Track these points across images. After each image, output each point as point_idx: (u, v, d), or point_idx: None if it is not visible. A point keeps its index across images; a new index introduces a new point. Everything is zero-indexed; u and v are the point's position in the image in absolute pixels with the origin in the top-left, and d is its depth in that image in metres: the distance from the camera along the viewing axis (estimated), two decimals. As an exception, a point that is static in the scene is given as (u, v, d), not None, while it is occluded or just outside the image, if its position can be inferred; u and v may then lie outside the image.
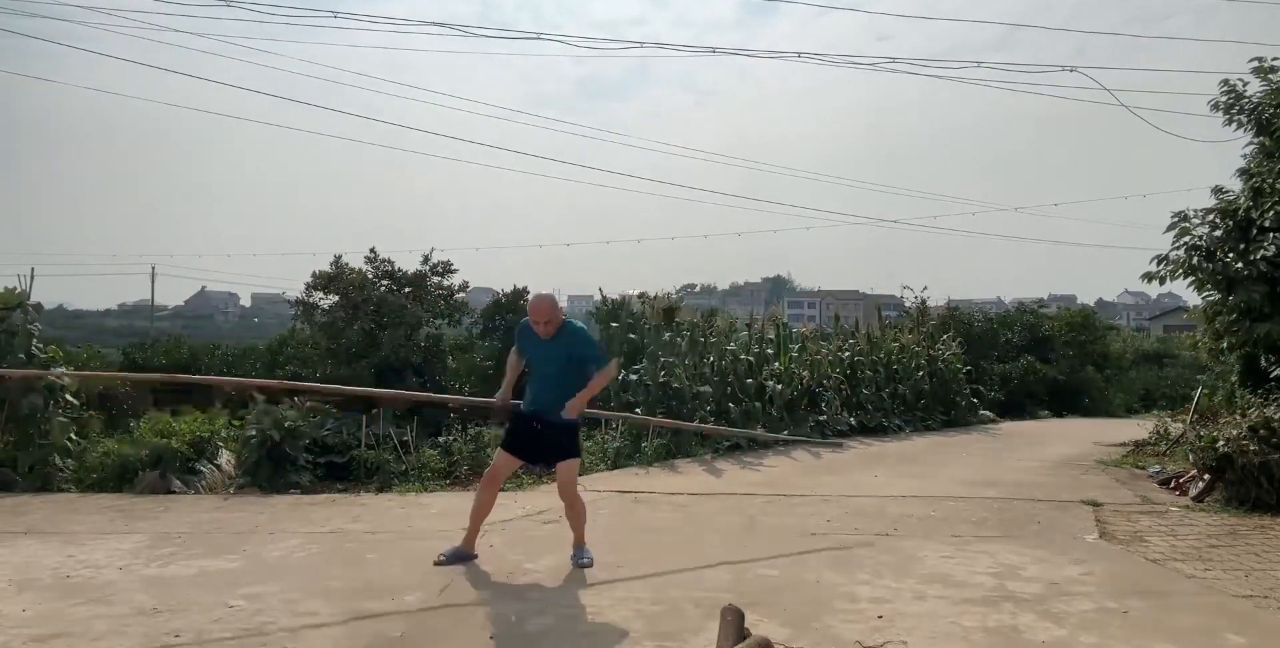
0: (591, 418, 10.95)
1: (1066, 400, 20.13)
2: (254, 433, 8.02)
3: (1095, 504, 6.94)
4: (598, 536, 5.61)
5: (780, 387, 11.73)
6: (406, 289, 11.97)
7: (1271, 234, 8.18)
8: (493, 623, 3.97)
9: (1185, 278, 8.88)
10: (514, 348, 5.37)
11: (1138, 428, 11.94)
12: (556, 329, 5.02)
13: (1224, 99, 9.08)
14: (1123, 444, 11.25)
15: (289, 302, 12.37)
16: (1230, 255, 8.45)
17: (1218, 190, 9.06)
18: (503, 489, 7.61)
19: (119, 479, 7.72)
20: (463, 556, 5.06)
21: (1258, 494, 6.69)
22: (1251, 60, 8.96)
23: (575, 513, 5.14)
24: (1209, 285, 8.79)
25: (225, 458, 8.34)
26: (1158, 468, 8.86)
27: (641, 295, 14.15)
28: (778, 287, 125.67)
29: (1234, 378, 9.18)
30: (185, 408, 10.67)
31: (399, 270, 12.11)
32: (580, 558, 5.07)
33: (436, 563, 4.97)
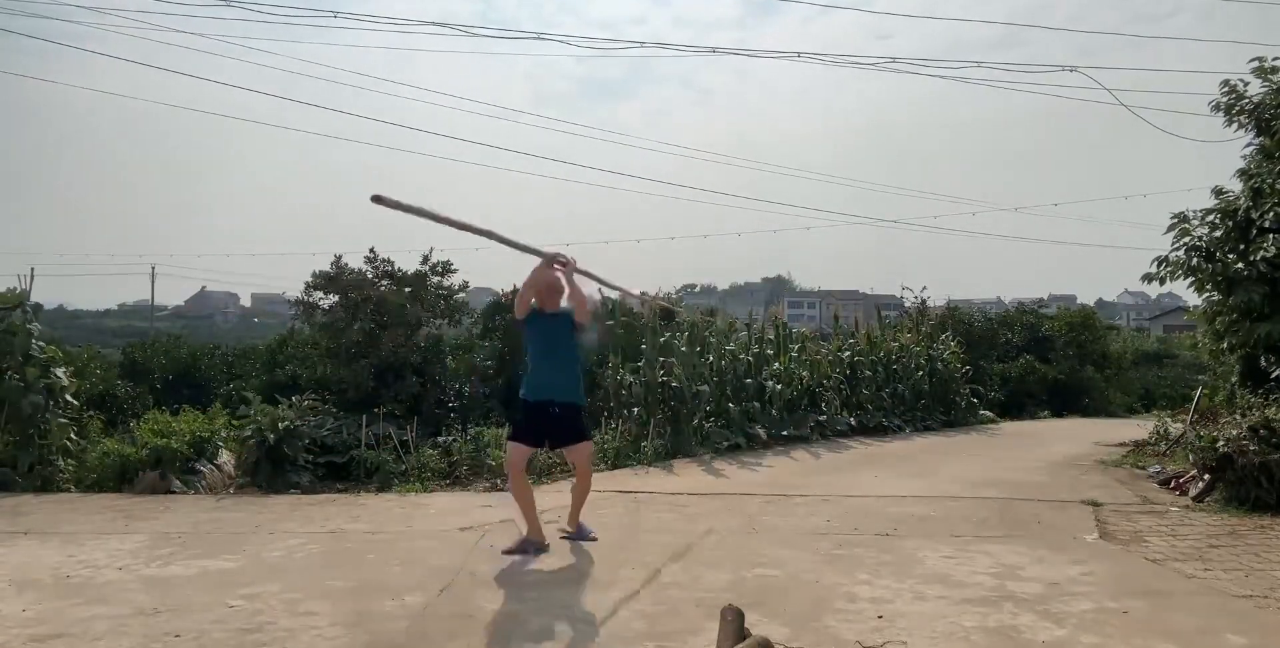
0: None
1: (1066, 400, 20.12)
2: (251, 433, 8.02)
3: (1095, 504, 6.94)
4: (598, 535, 5.62)
5: (780, 387, 11.73)
6: (406, 289, 11.96)
7: (1271, 235, 8.18)
8: (493, 623, 3.97)
9: (1185, 278, 8.88)
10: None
11: (1138, 428, 11.94)
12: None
13: (1224, 100, 9.07)
14: (1123, 444, 11.25)
15: (289, 302, 12.37)
16: (1230, 256, 8.45)
17: (1218, 191, 9.06)
18: (502, 489, 7.64)
19: (119, 479, 7.72)
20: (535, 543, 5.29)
21: (1258, 494, 6.68)
22: (1251, 60, 8.96)
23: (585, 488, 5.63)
24: (1209, 286, 8.79)
25: (225, 458, 8.34)
26: (1158, 468, 8.85)
27: (641, 295, 14.12)
28: (778, 287, 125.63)
29: (1234, 378, 9.17)
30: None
31: (399, 270, 12.10)
32: (587, 533, 5.57)
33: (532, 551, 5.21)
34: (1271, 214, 8.20)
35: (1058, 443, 12.02)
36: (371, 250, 12.14)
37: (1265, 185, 8.35)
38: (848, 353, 13.78)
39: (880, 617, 4.04)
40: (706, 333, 12.10)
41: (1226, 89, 9.08)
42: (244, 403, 8.85)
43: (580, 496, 5.62)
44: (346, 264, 11.83)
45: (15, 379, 7.88)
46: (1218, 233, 8.69)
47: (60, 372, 8.34)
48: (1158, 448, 10.23)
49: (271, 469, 7.99)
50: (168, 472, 7.64)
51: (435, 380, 11.54)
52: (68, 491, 7.63)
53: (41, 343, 8.23)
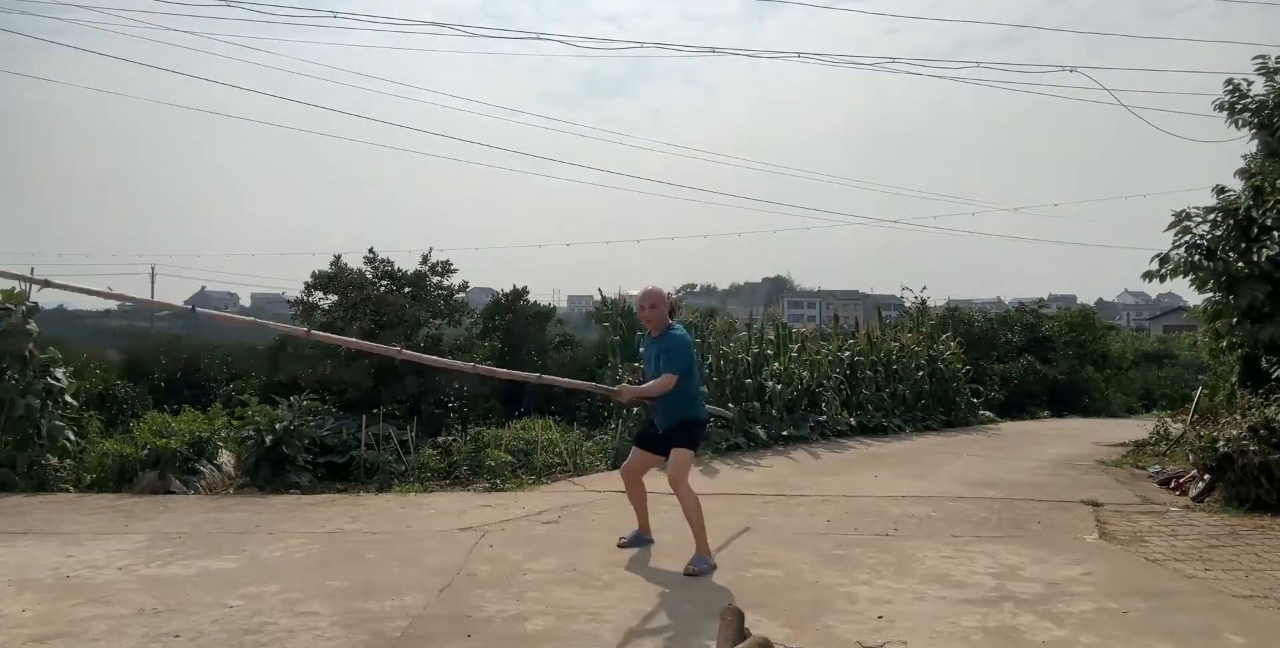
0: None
1: (1066, 400, 20.12)
2: (250, 434, 8.02)
3: (1095, 504, 6.94)
4: (598, 536, 5.62)
5: (780, 387, 11.72)
6: (406, 289, 11.97)
7: (1273, 233, 8.17)
8: (492, 623, 3.97)
9: (1186, 276, 8.87)
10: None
11: (1138, 428, 11.93)
12: (660, 329, 5.17)
13: (1228, 99, 9.08)
14: (1123, 444, 11.24)
15: (289, 302, 12.38)
16: (1232, 255, 8.44)
17: (1219, 190, 9.06)
18: (501, 489, 7.65)
19: (119, 479, 7.72)
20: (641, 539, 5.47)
21: (1258, 494, 6.68)
22: (1255, 58, 8.97)
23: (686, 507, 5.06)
24: (1210, 284, 8.79)
25: (225, 458, 8.34)
26: (1158, 468, 8.85)
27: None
28: (778, 287, 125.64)
29: (1234, 378, 9.18)
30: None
31: (398, 270, 12.11)
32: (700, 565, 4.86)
33: (620, 545, 5.38)
34: (1274, 212, 8.20)
35: (1057, 443, 12.02)
36: (371, 250, 12.16)
37: (1267, 184, 8.35)
38: (848, 353, 13.77)
39: (880, 617, 4.04)
40: (705, 333, 12.09)
41: (1230, 88, 9.08)
42: (244, 404, 8.86)
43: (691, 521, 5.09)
44: (346, 264, 11.84)
45: (14, 380, 7.87)
46: (1219, 231, 8.69)
47: (60, 372, 8.34)
48: (1158, 448, 10.22)
49: (271, 469, 7.99)
50: (167, 472, 7.64)
51: (435, 381, 11.53)
52: (64, 490, 7.62)
53: (33, 349, 8.19)
